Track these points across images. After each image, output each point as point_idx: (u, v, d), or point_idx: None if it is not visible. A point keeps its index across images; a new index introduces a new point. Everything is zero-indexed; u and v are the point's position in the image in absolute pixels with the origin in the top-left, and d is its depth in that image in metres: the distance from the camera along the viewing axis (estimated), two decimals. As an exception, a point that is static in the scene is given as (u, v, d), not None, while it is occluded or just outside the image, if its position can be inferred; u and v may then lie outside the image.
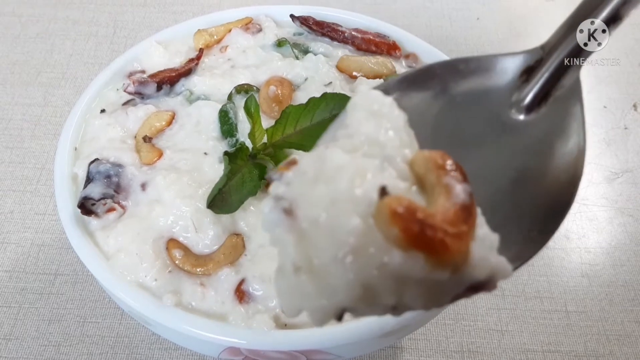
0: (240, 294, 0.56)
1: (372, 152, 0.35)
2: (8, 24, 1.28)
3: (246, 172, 0.60)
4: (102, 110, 0.71)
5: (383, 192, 0.31)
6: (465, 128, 0.44)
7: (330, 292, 0.31)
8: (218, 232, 0.58)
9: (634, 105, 1.18)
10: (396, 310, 0.33)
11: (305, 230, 0.32)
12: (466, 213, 0.32)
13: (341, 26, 0.81)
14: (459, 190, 0.32)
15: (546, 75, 0.44)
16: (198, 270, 0.57)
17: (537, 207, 0.41)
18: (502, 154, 0.44)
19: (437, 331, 0.82)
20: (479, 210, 0.34)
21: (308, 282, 0.31)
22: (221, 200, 0.58)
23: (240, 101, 0.70)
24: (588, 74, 1.23)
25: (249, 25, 0.82)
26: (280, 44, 0.80)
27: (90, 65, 1.19)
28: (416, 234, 0.30)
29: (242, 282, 0.56)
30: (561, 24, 0.46)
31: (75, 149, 0.67)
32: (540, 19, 1.35)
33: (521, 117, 0.45)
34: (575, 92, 0.44)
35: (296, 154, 0.43)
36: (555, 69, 0.44)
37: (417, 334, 0.82)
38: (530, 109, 0.45)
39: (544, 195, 0.41)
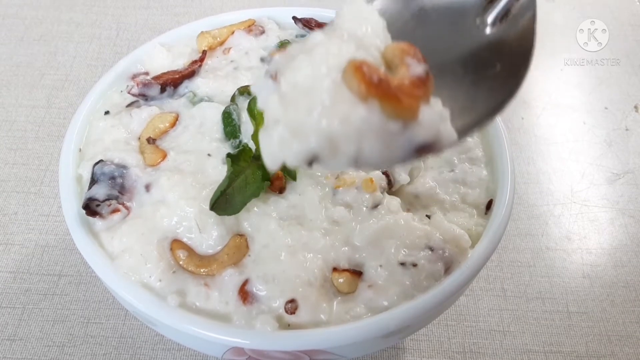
0: (244, 294, 0.56)
1: (349, 40, 0.41)
2: (11, 26, 1.28)
3: (249, 173, 0.61)
4: (106, 112, 0.72)
5: None
6: (436, 40, 0.52)
7: (302, 137, 0.38)
8: (222, 232, 0.59)
9: (635, 107, 1.18)
10: (357, 164, 0.39)
11: (286, 92, 0.39)
12: (420, 82, 0.39)
13: (343, 28, 0.81)
14: (417, 66, 0.40)
15: None
16: (202, 270, 0.57)
17: (488, 98, 0.48)
18: (466, 59, 0.51)
19: (439, 332, 0.83)
20: (438, 100, 0.41)
21: (284, 129, 0.38)
22: (224, 202, 0.58)
23: (243, 103, 0.71)
24: (589, 75, 1.24)
25: (252, 27, 0.82)
26: (282, 45, 0.80)
27: (94, 67, 1.20)
28: (375, 83, 0.37)
29: (245, 282, 0.57)
30: None
31: (80, 150, 0.68)
32: (541, 19, 1.35)
33: (485, 31, 0.52)
34: (531, 6, 0.51)
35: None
36: None
37: (419, 334, 0.82)
38: (493, 24, 0.52)
39: (495, 89, 0.48)
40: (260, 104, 0.40)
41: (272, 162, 0.41)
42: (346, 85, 0.38)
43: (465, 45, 0.52)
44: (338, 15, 0.46)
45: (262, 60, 0.42)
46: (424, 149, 0.39)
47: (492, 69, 0.50)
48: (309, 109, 0.38)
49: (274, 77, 0.39)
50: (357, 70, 0.37)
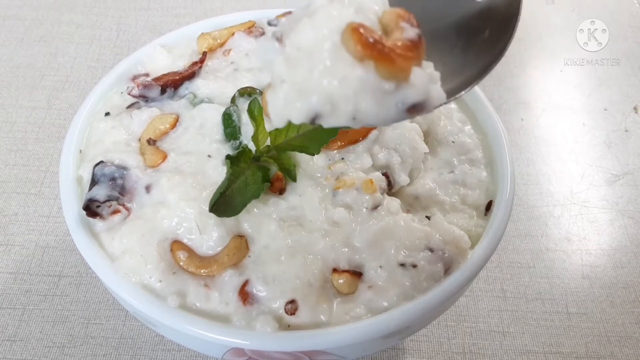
0: (244, 295, 0.56)
1: (349, 4, 0.43)
2: (12, 27, 1.28)
3: (249, 174, 0.61)
4: (107, 113, 0.72)
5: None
6: (431, 6, 0.54)
7: (305, 95, 0.41)
8: (222, 233, 0.59)
9: (635, 108, 1.18)
10: (355, 121, 0.42)
11: (290, 53, 0.42)
12: (413, 45, 0.41)
13: (343, 29, 0.82)
14: (411, 30, 0.42)
15: None
16: (202, 271, 0.58)
17: (476, 61, 0.51)
18: (457, 26, 0.54)
19: (439, 333, 0.83)
20: (431, 64, 0.43)
21: (289, 89, 0.41)
22: (224, 204, 0.58)
23: (243, 104, 0.71)
24: (589, 77, 1.24)
25: (252, 29, 0.82)
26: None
27: (94, 69, 1.20)
28: (370, 44, 0.39)
29: (246, 283, 0.57)
30: None
31: (80, 151, 0.68)
32: (541, 21, 1.36)
33: None
34: None
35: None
36: None
37: (419, 335, 0.82)
38: None
39: (483, 53, 0.51)
40: (264, 66, 0.43)
41: (278, 120, 0.44)
42: (344, 46, 0.40)
43: (457, 12, 0.54)
44: None
45: (269, 23, 0.44)
46: (415, 108, 0.42)
47: (482, 35, 0.53)
48: (311, 69, 0.40)
49: (280, 39, 0.42)
50: (355, 32, 0.39)
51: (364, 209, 0.62)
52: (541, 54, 1.29)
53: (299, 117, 0.42)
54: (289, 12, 0.44)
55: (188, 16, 1.34)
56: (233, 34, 0.81)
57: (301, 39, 0.41)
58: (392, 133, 0.67)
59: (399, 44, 0.41)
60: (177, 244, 0.59)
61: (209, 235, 0.59)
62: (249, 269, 0.58)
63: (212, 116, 0.69)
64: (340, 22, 0.41)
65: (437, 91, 0.43)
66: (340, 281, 0.57)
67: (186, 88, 0.74)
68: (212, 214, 0.58)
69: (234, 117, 0.68)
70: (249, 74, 0.76)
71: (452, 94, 0.47)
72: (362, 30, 0.40)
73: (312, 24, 0.41)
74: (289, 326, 0.55)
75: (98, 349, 0.79)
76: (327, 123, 0.42)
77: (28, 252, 0.90)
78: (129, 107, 0.73)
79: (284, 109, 0.42)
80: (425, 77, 0.42)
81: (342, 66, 0.40)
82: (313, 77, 0.41)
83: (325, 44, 0.41)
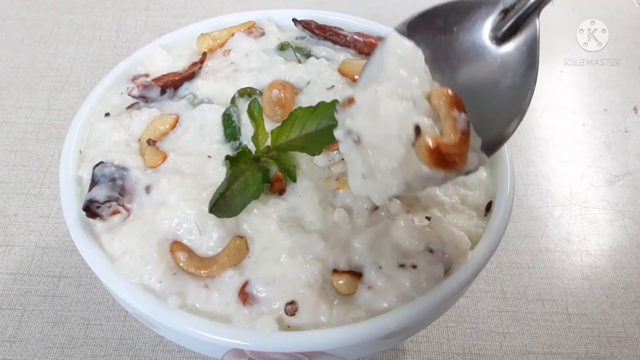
0: (244, 295, 0.56)
1: (404, 94, 0.50)
2: (12, 28, 1.29)
3: (249, 175, 0.61)
4: (107, 114, 0.72)
5: (417, 129, 0.48)
6: (459, 53, 0.61)
7: (386, 188, 0.49)
8: (222, 234, 0.59)
9: (634, 109, 1.18)
10: (422, 192, 0.56)
11: (369, 154, 0.49)
12: (466, 135, 0.49)
13: (343, 30, 0.82)
14: (461, 120, 0.49)
15: (517, 15, 0.60)
16: (202, 272, 0.57)
17: (504, 115, 0.58)
18: (484, 75, 0.60)
19: (439, 334, 0.83)
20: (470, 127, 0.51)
21: (373, 184, 0.50)
22: (224, 204, 0.58)
23: (243, 104, 0.71)
24: (589, 77, 1.24)
25: (252, 29, 0.82)
26: (282, 47, 0.80)
27: (94, 69, 1.20)
28: (439, 160, 0.47)
29: (246, 284, 0.57)
30: None
31: (80, 152, 0.68)
32: (541, 21, 1.35)
33: (497, 46, 0.60)
34: (535, 31, 0.60)
35: (351, 94, 0.54)
36: (524, 11, 0.59)
37: (419, 336, 0.82)
38: (503, 39, 0.60)
39: (508, 105, 0.58)
40: (346, 159, 0.51)
41: (360, 196, 0.55)
42: (417, 156, 0.48)
43: (482, 59, 0.60)
44: (386, 54, 0.52)
45: (336, 111, 0.48)
46: (467, 173, 0.51)
47: (505, 82, 0.58)
48: (389, 168, 0.48)
49: (357, 141, 0.49)
50: (427, 150, 0.47)
51: (364, 210, 0.62)
52: (541, 54, 1.28)
53: (380, 201, 0.51)
54: (352, 100, 0.50)
55: (188, 16, 1.34)
56: (233, 35, 0.81)
57: (375, 141, 0.48)
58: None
59: (457, 140, 0.48)
60: (177, 245, 0.59)
61: (209, 236, 0.59)
62: (249, 270, 0.58)
63: (212, 117, 0.69)
64: (407, 128, 0.48)
65: (483, 157, 0.52)
66: (340, 282, 0.57)
67: (186, 89, 0.75)
68: (212, 215, 0.58)
69: (234, 118, 0.68)
70: (249, 74, 0.76)
71: (490, 151, 0.54)
72: (432, 148, 0.47)
73: (386, 132, 0.48)
74: (289, 327, 0.55)
75: (98, 350, 0.79)
76: (401, 195, 0.52)
77: (28, 253, 0.90)
78: (129, 107, 0.73)
79: (367, 193, 0.51)
80: (474, 154, 0.50)
81: (414, 164, 0.48)
82: (392, 175, 0.48)
83: (399, 150, 0.47)
